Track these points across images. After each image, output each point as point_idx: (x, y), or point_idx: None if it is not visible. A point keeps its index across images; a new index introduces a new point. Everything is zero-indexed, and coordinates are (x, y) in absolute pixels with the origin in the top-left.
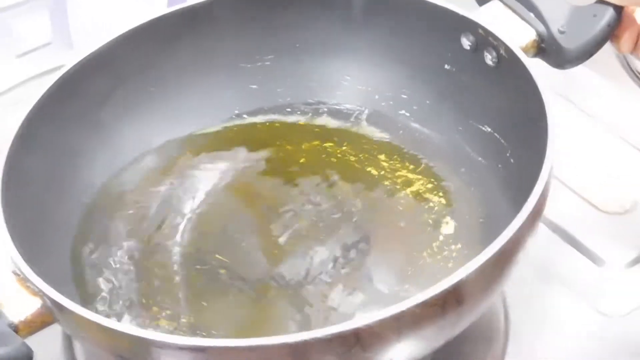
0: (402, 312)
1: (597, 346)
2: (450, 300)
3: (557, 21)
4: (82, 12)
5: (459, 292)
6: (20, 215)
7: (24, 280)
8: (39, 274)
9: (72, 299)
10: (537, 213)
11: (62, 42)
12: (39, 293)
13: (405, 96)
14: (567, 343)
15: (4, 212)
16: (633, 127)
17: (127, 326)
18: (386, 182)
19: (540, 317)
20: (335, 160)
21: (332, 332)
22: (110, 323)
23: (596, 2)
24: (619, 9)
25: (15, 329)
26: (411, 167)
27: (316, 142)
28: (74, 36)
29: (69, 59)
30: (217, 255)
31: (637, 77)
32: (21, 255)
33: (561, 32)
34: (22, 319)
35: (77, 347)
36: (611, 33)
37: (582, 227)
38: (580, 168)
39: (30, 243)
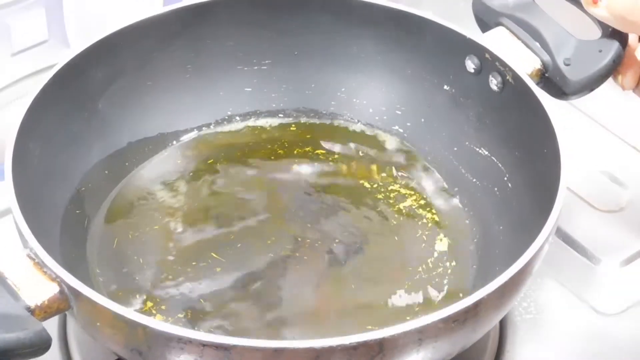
0: (426, 325)
1: (592, 344)
2: (470, 316)
3: (562, 53)
4: (78, 11)
5: (479, 309)
6: (27, 200)
7: (40, 265)
8: (57, 259)
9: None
10: (550, 237)
11: (58, 41)
12: (56, 279)
13: (399, 112)
14: (562, 340)
15: (17, 198)
16: (628, 126)
17: (149, 319)
18: (379, 196)
19: (536, 314)
20: (327, 169)
21: (357, 341)
22: (132, 314)
23: (601, 37)
24: (624, 44)
25: (32, 313)
26: (403, 182)
27: (308, 149)
28: (70, 34)
29: (65, 57)
30: (212, 254)
31: None
32: (36, 238)
33: (566, 64)
34: (39, 303)
35: (73, 344)
36: (615, 69)
37: (577, 225)
38: (576, 166)
39: (38, 227)
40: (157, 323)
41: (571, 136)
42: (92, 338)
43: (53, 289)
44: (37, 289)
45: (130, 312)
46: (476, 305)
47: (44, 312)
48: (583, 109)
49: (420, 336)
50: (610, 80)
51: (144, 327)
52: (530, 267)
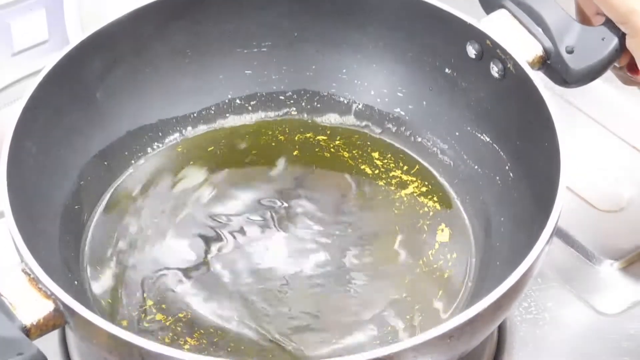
0: (420, 343)
1: (592, 344)
2: (467, 330)
3: (565, 39)
4: (78, 11)
5: (474, 323)
6: (23, 205)
7: (35, 281)
8: (51, 275)
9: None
10: (550, 239)
11: (59, 41)
12: (51, 297)
13: (401, 95)
14: (562, 340)
15: (13, 210)
16: (628, 125)
17: (145, 341)
18: (380, 182)
19: (536, 314)
20: (328, 155)
21: None
22: (127, 335)
23: (604, 24)
24: (622, 37)
25: (27, 332)
26: (405, 167)
27: (309, 134)
28: (70, 35)
29: (62, 51)
30: (212, 248)
31: None
32: (31, 253)
33: (569, 52)
34: (34, 322)
35: (73, 348)
36: (618, 58)
37: (577, 225)
38: (576, 166)
39: (35, 230)
40: (152, 345)
41: (572, 136)
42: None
43: (48, 307)
44: (32, 307)
45: (125, 333)
46: (472, 320)
47: (39, 330)
48: (583, 108)
49: (415, 354)
50: (611, 81)
51: (139, 349)
52: (529, 274)
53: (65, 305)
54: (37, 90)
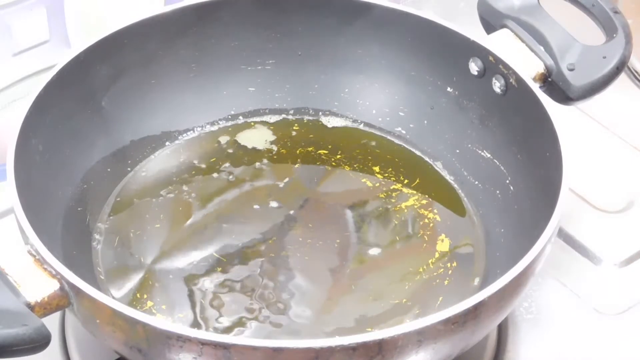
0: (426, 327)
1: (592, 344)
2: (470, 318)
3: (566, 57)
4: (79, 11)
5: (479, 311)
6: (29, 197)
7: (40, 262)
8: (58, 257)
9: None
10: (551, 239)
11: (59, 41)
12: (56, 276)
13: (402, 114)
14: (563, 340)
15: (19, 194)
16: (630, 126)
17: (149, 317)
18: (381, 195)
19: (537, 314)
20: (329, 168)
21: (357, 341)
22: (131, 311)
23: (606, 43)
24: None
25: (32, 310)
26: (406, 181)
27: (310, 149)
28: (71, 35)
29: (69, 54)
30: (214, 253)
31: (636, 78)
32: (37, 235)
33: (570, 69)
34: (38, 300)
35: (72, 343)
36: (619, 75)
37: (578, 225)
38: (577, 167)
39: (39, 223)
40: (156, 320)
41: (572, 136)
42: (92, 335)
43: (53, 286)
44: (37, 286)
45: (129, 309)
46: (476, 307)
47: (43, 308)
48: (584, 109)
49: (420, 337)
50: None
51: (144, 325)
52: (532, 269)
53: (70, 284)
54: (46, 89)
